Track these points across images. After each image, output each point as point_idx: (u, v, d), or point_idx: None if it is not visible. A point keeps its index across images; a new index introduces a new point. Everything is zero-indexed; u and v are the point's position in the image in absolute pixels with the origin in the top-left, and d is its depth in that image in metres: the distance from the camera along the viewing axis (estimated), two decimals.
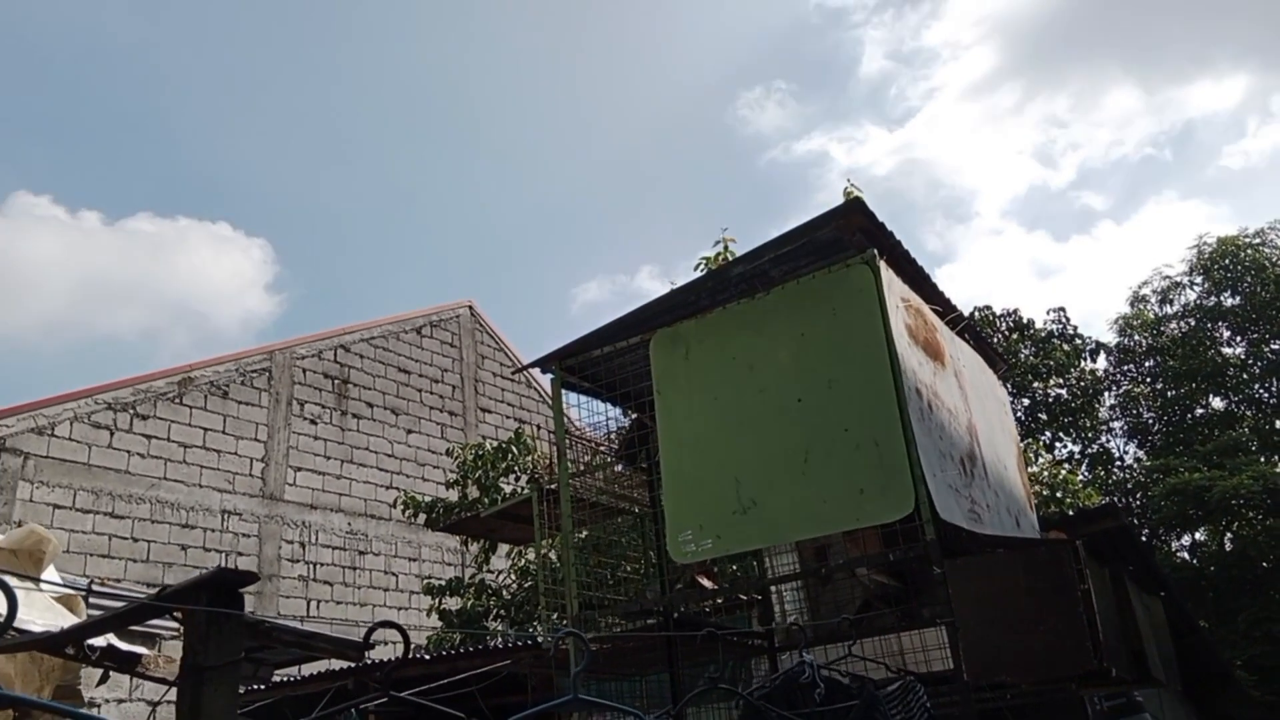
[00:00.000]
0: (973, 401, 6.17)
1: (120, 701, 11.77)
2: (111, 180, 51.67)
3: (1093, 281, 51.97)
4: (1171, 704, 9.05)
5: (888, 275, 5.37)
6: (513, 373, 19.88)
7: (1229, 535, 21.00)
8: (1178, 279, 25.34)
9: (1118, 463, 25.08)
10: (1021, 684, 5.00)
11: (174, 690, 2.52)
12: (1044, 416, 24.19)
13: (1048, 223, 61.22)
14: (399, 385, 17.84)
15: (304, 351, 16.50)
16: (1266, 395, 23.91)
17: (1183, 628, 8.44)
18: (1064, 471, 14.84)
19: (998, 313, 24.55)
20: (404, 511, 13.70)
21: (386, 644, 13.52)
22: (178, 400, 14.48)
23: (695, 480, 5.61)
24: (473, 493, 13.20)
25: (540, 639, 7.91)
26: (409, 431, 17.66)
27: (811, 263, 5.72)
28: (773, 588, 7.36)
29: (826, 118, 68.49)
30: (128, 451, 13.71)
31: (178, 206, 54.82)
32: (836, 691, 4.30)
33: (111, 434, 13.62)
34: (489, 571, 13.14)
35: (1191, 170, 57.19)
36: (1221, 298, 24.34)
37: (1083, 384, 24.38)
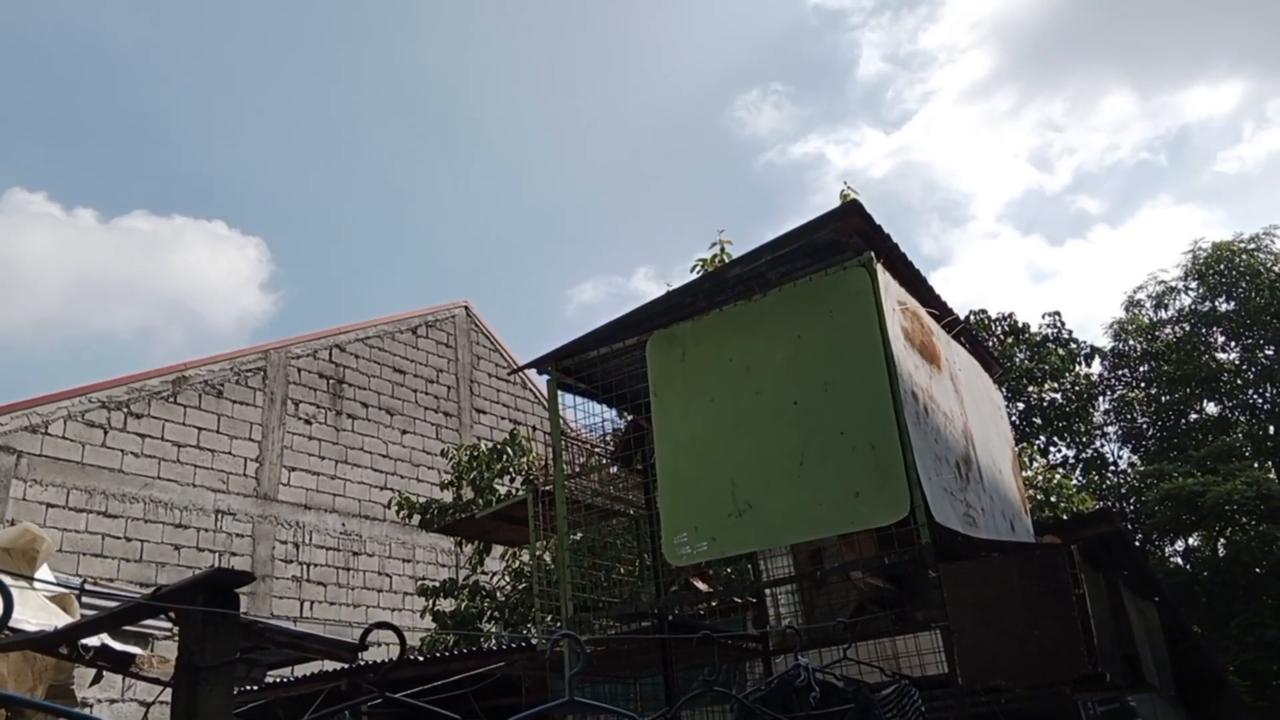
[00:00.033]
0: (968, 405, 6.18)
1: (113, 701, 11.74)
2: (107, 178, 51.59)
3: (1088, 286, 52.14)
4: (1165, 709, 9.05)
5: (884, 278, 5.37)
6: (509, 373, 19.87)
7: (1222, 541, 21.04)
8: (1173, 284, 25.42)
9: (1112, 467, 25.14)
10: (1016, 688, 5.00)
11: (168, 690, 2.51)
12: (1039, 420, 24.22)
13: (1043, 226, 61.41)
14: (394, 385, 17.83)
15: (299, 351, 16.48)
16: (1260, 401, 23.97)
17: (1176, 633, 8.45)
18: (1058, 476, 14.86)
19: (993, 316, 24.60)
20: (398, 512, 13.68)
21: (380, 645, 13.51)
22: (172, 399, 14.45)
23: (691, 482, 5.60)
24: (467, 494, 13.18)
25: (534, 641, 7.90)
26: (404, 432, 17.64)
27: (808, 265, 5.71)
28: (767, 591, 7.36)
29: (823, 120, 68.62)
30: (121, 450, 13.68)
31: (173, 205, 54.73)
32: (831, 695, 4.31)
33: (105, 433, 13.59)
34: (483, 573, 13.13)
35: (1187, 175, 57.43)
36: (1216, 303, 24.40)
37: (1077, 388, 24.42)
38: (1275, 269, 23.68)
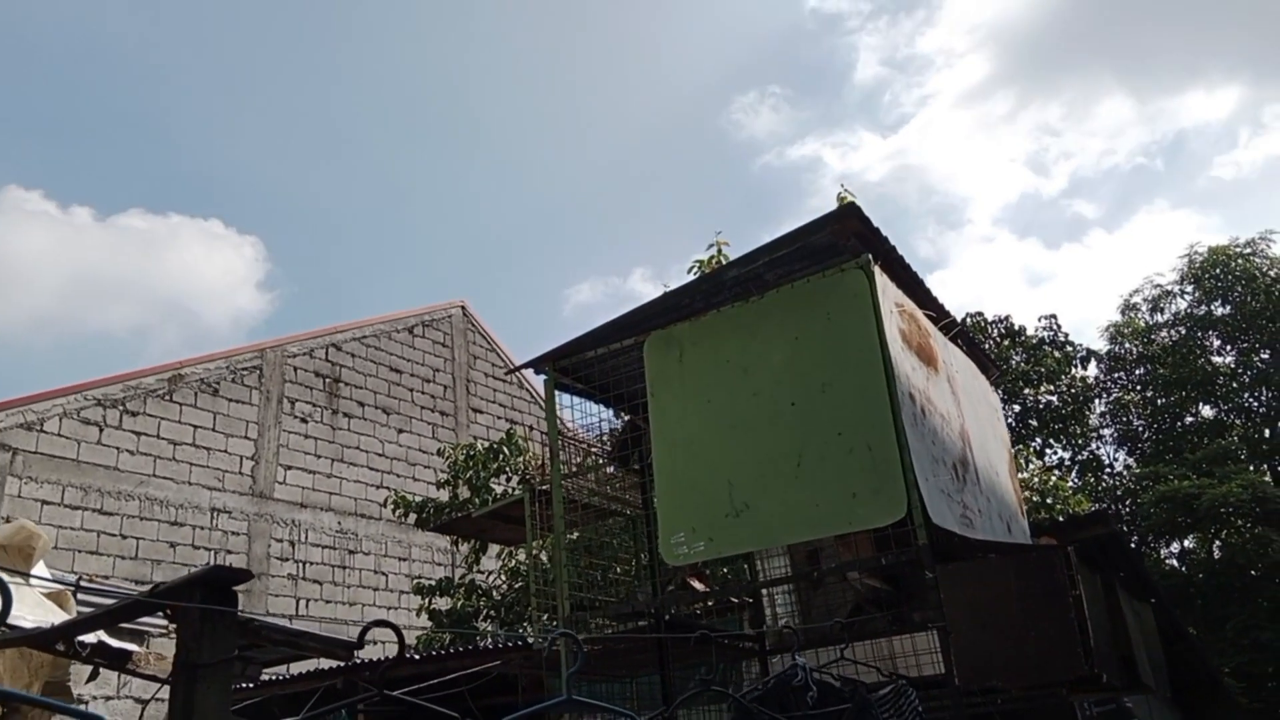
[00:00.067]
0: (965, 407, 6.19)
1: (109, 699, 11.72)
2: (103, 176, 51.51)
3: (1084, 289, 52.27)
4: (1161, 710, 9.08)
5: (882, 280, 5.38)
6: (506, 373, 19.86)
7: (1218, 543, 21.11)
8: (1169, 288, 25.49)
9: (1108, 470, 25.21)
10: (1012, 689, 5.01)
11: (164, 688, 2.50)
12: (1035, 423, 24.27)
13: (1039, 230, 61.49)
14: (390, 385, 17.81)
15: (295, 350, 16.46)
16: (1256, 404, 24.04)
17: (1172, 634, 8.47)
18: (1054, 478, 14.89)
19: (989, 319, 24.66)
20: (394, 511, 13.67)
21: (375, 644, 13.50)
22: (168, 397, 14.43)
23: (688, 482, 5.61)
24: (463, 493, 13.17)
25: (531, 640, 7.89)
26: (400, 431, 17.63)
27: (806, 267, 5.72)
28: (764, 591, 7.37)
29: (820, 123, 68.66)
30: (117, 448, 13.65)
31: (170, 203, 54.67)
32: (829, 695, 4.31)
33: (101, 430, 13.56)
34: (479, 572, 13.12)
35: (1183, 180, 57.55)
36: (1212, 307, 24.46)
37: (1073, 391, 24.48)
38: (1271, 273, 23.74)
